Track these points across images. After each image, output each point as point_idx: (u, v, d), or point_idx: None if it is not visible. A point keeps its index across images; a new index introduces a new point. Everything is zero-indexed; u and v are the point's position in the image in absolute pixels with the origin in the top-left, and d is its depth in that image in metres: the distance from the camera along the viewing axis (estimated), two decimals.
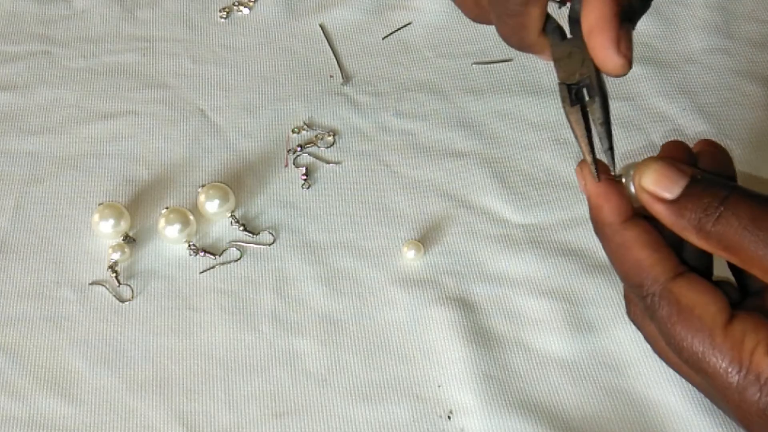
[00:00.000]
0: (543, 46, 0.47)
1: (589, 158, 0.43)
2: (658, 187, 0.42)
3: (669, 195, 0.41)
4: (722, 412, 0.45)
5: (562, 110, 0.46)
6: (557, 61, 0.44)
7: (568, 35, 0.46)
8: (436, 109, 0.69)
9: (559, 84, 0.44)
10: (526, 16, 0.45)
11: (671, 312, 0.42)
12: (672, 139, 0.49)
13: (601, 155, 0.44)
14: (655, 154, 0.48)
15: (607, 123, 0.43)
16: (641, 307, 0.45)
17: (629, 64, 0.41)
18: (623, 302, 0.57)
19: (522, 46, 0.47)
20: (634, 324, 0.48)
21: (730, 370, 0.40)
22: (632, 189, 0.43)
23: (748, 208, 0.40)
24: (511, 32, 0.46)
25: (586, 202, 0.45)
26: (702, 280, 0.42)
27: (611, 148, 0.43)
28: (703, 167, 0.45)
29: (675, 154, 0.45)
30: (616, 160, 0.44)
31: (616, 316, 0.57)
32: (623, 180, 0.44)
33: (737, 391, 0.40)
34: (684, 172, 0.42)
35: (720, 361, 0.41)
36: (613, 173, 0.44)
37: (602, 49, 0.41)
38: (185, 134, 0.68)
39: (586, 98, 0.44)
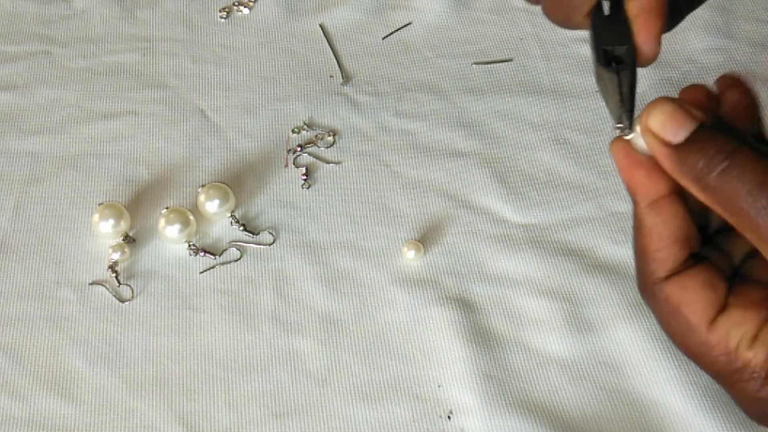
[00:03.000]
0: (587, 25, 0.46)
1: (618, 113, 0.43)
2: (663, 129, 0.40)
3: (673, 139, 0.39)
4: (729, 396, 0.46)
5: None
6: (597, 30, 0.44)
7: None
8: (436, 109, 0.69)
9: (596, 48, 0.44)
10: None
11: (660, 310, 0.43)
12: None
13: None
14: None
15: (633, 87, 0.43)
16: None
17: (657, 55, 0.43)
18: (623, 302, 0.58)
19: (567, 25, 0.47)
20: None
21: (721, 361, 0.42)
22: (641, 141, 0.42)
23: (754, 168, 0.38)
24: (559, 11, 0.46)
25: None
26: (699, 277, 0.42)
27: (632, 110, 0.43)
28: (724, 113, 0.44)
29: (693, 98, 0.44)
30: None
31: (616, 316, 0.57)
32: (629, 133, 0.43)
33: (730, 381, 0.42)
34: (694, 117, 0.40)
35: (711, 355, 0.42)
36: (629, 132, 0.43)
37: (647, 36, 0.42)
38: (185, 134, 0.68)
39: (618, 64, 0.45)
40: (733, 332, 0.41)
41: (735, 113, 0.44)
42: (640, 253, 0.44)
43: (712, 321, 0.42)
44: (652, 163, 0.42)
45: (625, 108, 0.43)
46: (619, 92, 0.43)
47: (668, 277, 0.43)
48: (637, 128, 0.42)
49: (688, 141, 0.39)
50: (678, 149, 0.39)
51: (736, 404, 0.44)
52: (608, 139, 0.66)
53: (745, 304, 0.42)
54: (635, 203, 0.43)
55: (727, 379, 0.43)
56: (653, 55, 0.43)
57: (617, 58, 0.44)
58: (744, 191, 0.37)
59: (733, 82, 0.45)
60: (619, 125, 0.43)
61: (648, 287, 0.43)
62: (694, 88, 0.45)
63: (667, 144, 0.40)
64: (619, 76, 0.43)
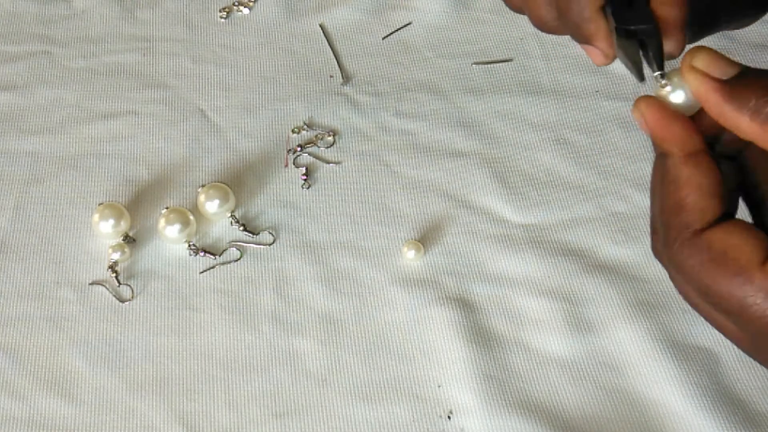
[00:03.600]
0: (598, 26, 0.45)
1: (646, 72, 0.43)
2: (710, 67, 0.40)
3: (722, 76, 0.40)
4: (760, 363, 0.44)
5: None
6: (617, 12, 0.45)
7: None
8: (436, 109, 0.69)
9: (618, 29, 0.44)
10: None
11: (702, 260, 0.40)
12: None
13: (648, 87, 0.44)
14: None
15: (660, 49, 0.44)
16: (666, 255, 0.43)
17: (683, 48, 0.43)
18: (623, 302, 0.58)
19: (578, 26, 0.46)
20: (659, 260, 0.44)
21: (762, 310, 0.38)
22: (671, 99, 0.42)
23: None
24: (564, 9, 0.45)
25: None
26: (740, 224, 0.40)
27: (662, 67, 0.43)
28: None
29: None
30: None
31: (616, 316, 0.57)
32: (666, 85, 0.42)
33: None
34: (736, 62, 0.40)
35: (763, 302, 0.39)
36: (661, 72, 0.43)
37: (670, 24, 0.43)
38: (185, 134, 0.68)
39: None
40: None
41: None
42: (674, 206, 0.41)
43: (764, 263, 0.39)
44: (686, 117, 0.42)
45: (658, 68, 0.43)
46: (646, 57, 0.44)
47: (711, 227, 0.41)
48: (674, 80, 0.42)
49: (737, 77, 0.40)
50: (729, 84, 0.40)
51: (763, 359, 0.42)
52: (608, 140, 0.67)
53: None
54: (668, 156, 0.42)
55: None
56: (679, 44, 0.43)
57: (640, 32, 0.44)
58: None
59: None
60: (659, 72, 0.43)
61: (681, 242, 0.40)
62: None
63: (715, 81, 0.40)
64: (645, 43, 0.44)
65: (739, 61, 0.41)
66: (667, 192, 0.42)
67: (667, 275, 0.43)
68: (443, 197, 0.64)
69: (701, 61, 0.40)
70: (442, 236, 0.62)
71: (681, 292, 0.44)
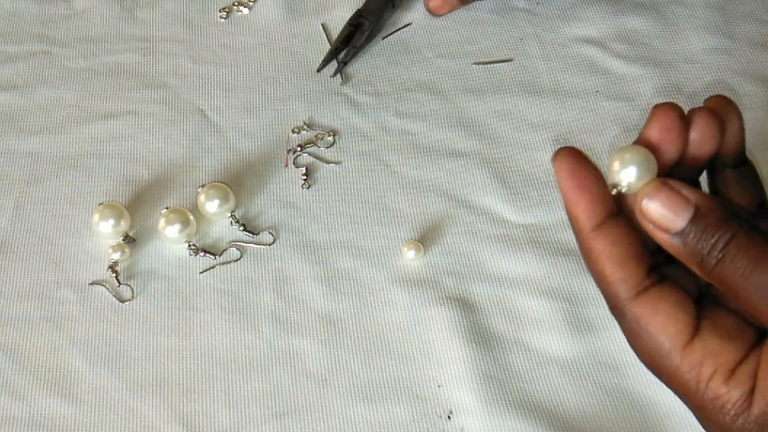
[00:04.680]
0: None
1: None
2: (661, 218, 0.40)
3: (672, 228, 0.40)
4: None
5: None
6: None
7: None
8: (436, 109, 0.69)
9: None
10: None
11: (632, 330, 0.41)
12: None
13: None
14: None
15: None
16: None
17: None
18: None
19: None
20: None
21: (692, 387, 0.40)
22: (622, 181, 0.41)
23: (753, 252, 0.39)
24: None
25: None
26: (668, 295, 0.41)
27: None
28: (692, 139, 0.43)
29: (666, 128, 0.43)
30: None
31: None
32: (616, 170, 0.42)
33: (699, 405, 0.41)
34: (688, 201, 0.40)
35: (681, 380, 0.40)
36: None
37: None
38: (185, 134, 0.68)
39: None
40: (708, 362, 0.40)
41: (700, 141, 0.43)
42: (598, 279, 0.42)
43: (686, 345, 0.40)
44: (595, 186, 0.42)
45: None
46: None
47: (636, 297, 0.41)
48: (631, 178, 0.42)
49: (687, 229, 0.40)
50: (679, 236, 0.40)
51: (701, 425, 0.43)
52: (609, 140, 0.67)
53: (720, 333, 0.40)
54: (578, 230, 0.42)
55: (695, 403, 0.41)
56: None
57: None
58: (744, 276, 0.38)
59: (705, 114, 0.43)
60: (615, 186, 0.42)
61: (617, 309, 0.42)
62: (667, 112, 0.44)
63: (666, 231, 0.40)
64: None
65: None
66: (588, 264, 0.43)
67: None
68: (443, 197, 0.64)
69: (653, 211, 0.40)
70: (442, 236, 0.62)
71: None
